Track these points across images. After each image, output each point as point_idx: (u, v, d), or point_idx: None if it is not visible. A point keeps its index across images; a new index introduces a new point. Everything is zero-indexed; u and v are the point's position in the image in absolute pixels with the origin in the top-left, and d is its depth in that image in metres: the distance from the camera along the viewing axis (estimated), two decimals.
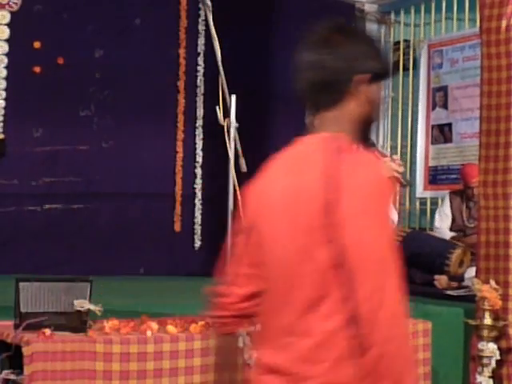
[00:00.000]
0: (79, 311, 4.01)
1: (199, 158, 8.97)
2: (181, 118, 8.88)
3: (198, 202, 8.93)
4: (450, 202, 7.62)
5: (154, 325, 4.19)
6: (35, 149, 8.16)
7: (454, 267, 6.68)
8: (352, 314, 1.89)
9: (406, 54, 9.54)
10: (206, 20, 5.24)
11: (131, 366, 3.96)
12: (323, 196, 1.92)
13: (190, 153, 8.94)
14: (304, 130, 3.93)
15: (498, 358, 4.63)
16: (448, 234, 7.40)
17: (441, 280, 6.68)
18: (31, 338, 3.81)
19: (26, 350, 3.75)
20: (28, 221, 8.12)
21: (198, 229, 8.91)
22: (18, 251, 7.82)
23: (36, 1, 8.12)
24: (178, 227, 8.82)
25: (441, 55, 9.10)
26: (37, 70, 8.13)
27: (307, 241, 1.93)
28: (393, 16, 9.80)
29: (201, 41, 8.94)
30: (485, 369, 4.62)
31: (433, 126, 9.09)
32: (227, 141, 4.70)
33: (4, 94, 7.91)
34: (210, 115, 6.85)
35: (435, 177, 9.04)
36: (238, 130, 4.75)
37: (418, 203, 9.20)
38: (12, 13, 7.91)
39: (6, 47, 7.90)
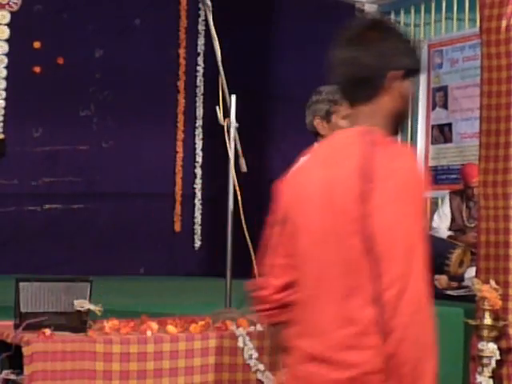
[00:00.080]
0: (79, 311, 4.01)
1: (199, 158, 8.97)
2: (181, 117, 8.88)
3: (197, 202, 8.94)
4: (450, 202, 7.62)
5: (154, 325, 4.19)
6: (35, 149, 8.16)
7: (454, 267, 6.68)
8: (375, 298, 1.94)
9: None
10: (206, 20, 5.24)
11: (131, 366, 3.96)
12: (358, 187, 1.98)
13: (190, 153, 8.94)
14: (304, 129, 3.94)
15: (498, 358, 4.62)
16: (446, 234, 7.40)
17: (441, 280, 6.68)
18: (31, 337, 3.81)
19: (25, 350, 3.75)
20: (28, 221, 8.12)
21: (197, 229, 8.92)
22: (17, 251, 7.82)
23: (36, 1, 8.13)
24: (177, 227, 8.83)
25: (441, 55, 9.09)
26: (37, 70, 8.14)
27: (342, 231, 1.99)
28: (393, 16, 9.79)
29: (201, 41, 8.95)
30: (485, 369, 4.62)
31: (433, 126, 9.09)
32: (227, 141, 4.70)
33: (4, 94, 7.92)
34: (209, 115, 6.86)
35: (435, 177, 9.03)
36: (238, 129, 4.75)
37: None
38: (12, 13, 7.91)
39: (6, 47, 7.90)
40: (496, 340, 4.66)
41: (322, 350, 2.00)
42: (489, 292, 4.59)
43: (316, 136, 3.72)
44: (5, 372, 3.89)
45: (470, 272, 6.20)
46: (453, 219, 7.56)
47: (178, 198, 8.85)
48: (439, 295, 6.18)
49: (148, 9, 8.64)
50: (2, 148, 6.70)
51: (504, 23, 4.84)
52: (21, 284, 3.99)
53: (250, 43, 8.91)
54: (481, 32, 5.04)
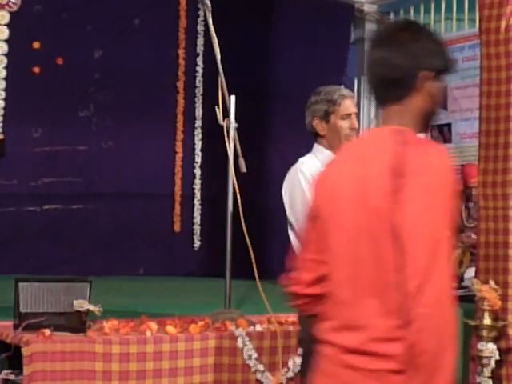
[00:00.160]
0: (79, 311, 4.02)
1: (198, 159, 8.97)
2: (180, 118, 8.88)
3: (197, 203, 8.94)
4: None
5: (154, 325, 4.19)
6: (35, 149, 8.16)
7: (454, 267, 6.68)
8: (398, 288, 1.99)
9: None
10: (206, 20, 5.24)
11: (131, 367, 3.97)
12: (390, 184, 2.04)
13: (190, 153, 8.94)
14: (303, 130, 3.94)
15: (498, 358, 4.62)
16: None
17: None
18: (31, 338, 3.82)
19: (25, 351, 3.76)
20: (28, 221, 8.12)
21: (197, 229, 8.92)
22: (17, 251, 7.82)
23: (35, 1, 8.13)
24: (177, 227, 8.83)
25: None
26: (36, 70, 8.13)
27: (375, 227, 2.04)
28: (392, 16, 9.80)
29: (200, 41, 8.94)
30: (484, 369, 4.62)
31: (432, 126, 9.09)
32: (227, 141, 4.71)
33: (3, 94, 7.92)
34: (209, 115, 6.86)
35: None
36: (238, 130, 4.76)
37: None
38: (11, 13, 7.91)
39: (5, 47, 7.90)
40: (495, 340, 4.66)
41: (362, 342, 2.04)
42: (488, 292, 4.59)
43: (316, 137, 3.72)
44: (4, 372, 3.89)
45: (470, 272, 6.20)
46: None
47: (178, 198, 8.85)
48: None
49: (147, 9, 8.64)
50: (2, 148, 6.70)
51: (503, 23, 4.83)
52: (20, 284, 3.99)
53: (250, 43, 8.91)
54: (480, 32, 5.03)
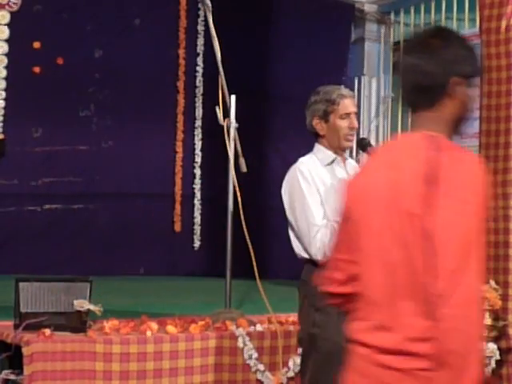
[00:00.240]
0: (79, 311, 4.02)
1: (198, 159, 8.98)
2: (180, 118, 8.89)
3: (197, 202, 8.94)
4: None
5: (154, 325, 4.19)
6: (35, 149, 8.17)
7: None
8: (429, 288, 2.04)
9: None
10: (206, 20, 5.24)
11: (131, 366, 3.97)
12: (423, 190, 2.08)
13: (190, 153, 8.95)
14: (303, 129, 3.93)
15: (498, 358, 4.63)
16: None
17: None
18: (31, 338, 3.82)
19: (25, 350, 3.76)
20: (28, 221, 8.12)
21: (197, 229, 8.92)
22: (17, 251, 7.82)
23: (36, 1, 8.13)
24: (177, 227, 8.83)
25: None
26: (36, 70, 8.14)
27: (407, 232, 2.09)
28: (392, 16, 9.80)
29: (200, 41, 8.95)
30: (484, 369, 4.62)
31: None
32: (227, 141, 4.70)
33: (4, 94, 7.92)
34: (209, 115, 6.87)
35: None
36: (238, 130, 4.75)
37: None
38: (12, 13, 7.91)
39: (5, 47, 7.90)
40: (496, 340, 4.66)
41: (398, 342, 2.08)
42: (488, 292, 4.59)
43: (316, 137, 3.72)
44: (5, 372, 3.89)
45: None
46: None
47: (178, 198, 8.85)
48: None
49: (148, 9, 8.65)
50: (2, 148, 6.70)
51: (504, 23, 4.83)
52: (21, 284, 3.99)
53: (250, 43, 8.91)
54: (480, 32, 5.03)
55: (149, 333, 4.09)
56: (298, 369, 4.23)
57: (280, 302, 4.80)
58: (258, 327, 4.40)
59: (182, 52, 8.89)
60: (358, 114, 3.83)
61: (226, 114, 4.75)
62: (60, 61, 8.23)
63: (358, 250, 2.17)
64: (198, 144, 8.99)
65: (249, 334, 4.32)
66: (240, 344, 4.27)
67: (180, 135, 8.89)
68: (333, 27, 9.45)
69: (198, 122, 8.97)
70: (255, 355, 4.29)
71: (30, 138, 8.14)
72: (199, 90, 8.97)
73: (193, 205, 8.92)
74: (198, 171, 8.97)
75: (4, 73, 7.91)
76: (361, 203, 2.19)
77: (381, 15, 9.87)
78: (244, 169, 4.67)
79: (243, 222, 4.46)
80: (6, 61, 7.91)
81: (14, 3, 7.90)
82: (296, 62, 9.10)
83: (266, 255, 7.29)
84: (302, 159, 3.70)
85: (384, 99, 9.82)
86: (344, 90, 3.75)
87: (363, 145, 3.75)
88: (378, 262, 2.13)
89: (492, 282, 4.66)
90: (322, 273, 2.34)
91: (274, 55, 9.17)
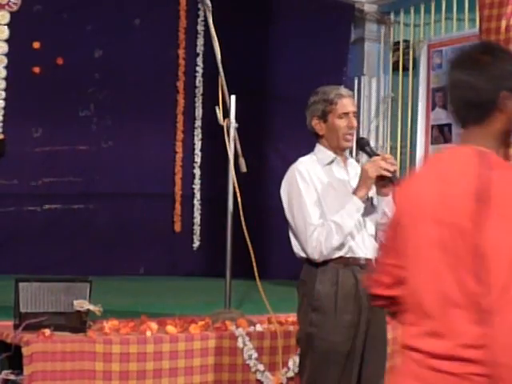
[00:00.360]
0: (79, 311, 4.02)
1: (198, 159, 8.98)
2: (180, 118, 8.89)
3: (197, 203, 8.94)
4: None
5: (154, 325, 4.19)
6: (35, 149, 8.17)
7: None
8: (479, 300, 2.09)
9: (405, 54, 9.54)
10: (206, 20, 5.24)
11: (131, 367, 3.97)
12: (474, 207, 2.13)
13: (190, 153, 8.95)
14: (302, 130, 3.93)
15: None
16: None
17: None
18: (31, 338, 3.82)
19: (25, 351, 3.76)
20: (28, 221, 8.12)
21: (197, 229, 8.92)
22: (17, 251, 7.82)
23: (36, 1, 8.13)
24: (177, 227, 8.83)
25: (440, 55, 9.10)
26: (36, 70, 8.14)
27: (456, 244, 2.13)
28: (392, 16, 9.80)
29: (200, 41, 8.95)
30: None
31: (432, 127, 9.09)
32: (227, 141, 4.70)
33: (3, 94, 7.92)
34: (209, 115, 6.86)
35: None
36: (238, 130, 4.75)
37: None
38: (12, 13, 7.91)
39: (5, 47, 7.90)
40: None
41: (450, 348, 2.11)
42: None
43: (316, 137, 3.72)
44: (4, 372, 3.89)
45: None
46: None
47: (178, 198, 8.85)
48: None
49: (147, 9, 8.64)
50: (2, 148, 6.69)
51: (504, 23, 4.84)
52: (20, 284, 3.99)
53: (250, 43, 8.92)
54: (480, 32, 5.04)
55: (148, 333, 4.09)
56: (297, 369, 4.23)
57: (280, 302, 4.80)
58: (258, 327, 4.40)
59: (181, 52, 8.88)
60: (357, 114, 3.83)
61: (226, 114, 4.75)
62: (60, 61, 8.23)
63: (406, 256, 2.23)
64: (198, 144, 8.99)
65: (248, 334, 4.32)
66: (240, 344, 4.27)
67: (180, 135, 8.89)
68: (332, 27, 9.46)
69: (198, 122, 8.97)
70: (255, 355, 4.29)
71: (30, 137, 8.14)
72: (199, 90, 8.97)
73: (192, 205, 8.92)
74: (197, 171, 8.97)
75: (4, 73, 7.91)
76: (410, 212, 2.24)
77: (381, 15, 9.88)
78: (244, 169, 4.67)
79: (243, 222, 4.46)
80: (5, 61, 7.91)
81: (13, 3, 7.90)
82: (296, 62, 9.10)
83: (265, 255, 7.30)
84: (301, 159, 3.70)
85: (384, 99, 9.82)
86: (342, 90, 3.75)
87: (362, 144, 3.75)
88: (427, 271, 2.17)
89: None
90: (369, 275, 2.41)
91: (274, 55, 9.18)
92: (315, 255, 3.48)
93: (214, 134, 5.96)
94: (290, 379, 4.36)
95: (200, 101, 8.96)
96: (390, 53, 9.73)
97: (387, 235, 2.35)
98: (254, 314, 4.69)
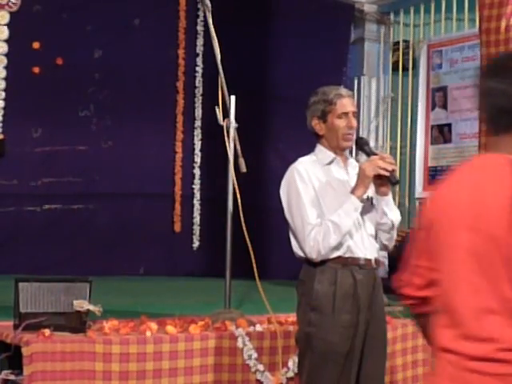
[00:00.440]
0: (79, 311, 4.02)
1: (198, 159, 8.98)
2: (180, 118, 8.89)
3: (197, 203, 8.94)
4: None
5: (154, 325, 4.19)
6: (35, 149, 8.17)
7: None
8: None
9: (405, 54, 9.55)
10: (205, 20, 5.24)
11: (131, 367, 3.96)
12: (508, 215, 2.14)
13: (190, 153, 8.95)
14: (302, 130, 3.94)
15: None
16: None
17: None
18: (31, 338, 3.81)
19: (25, 351, 3.76)
20: (28, 221, 8.12)
21: (196, 229, 8.92)
22: (17, 251, 7.82)
23: (35, 1, 8.13)
24: (177, 227, 8.83)
25: (440, 55, 9.10)
26: (36, 70, 8.14)
27: (490, 252, 2.15)
28: (392, 16, 9.80)
29: (200, 41, 8.95)
30: None
31: (432, 127, 9.09)
32: (227, 141, 4.70)
33: (3, 94, 7.92)
34: (209, 116, 6.86)
35: (434, 177, 9.04)
36: (238, 130, 4.75)
37: (417, 203, 9.21)
38: (11, 13, 7.92)
39: (5, 47, 7.91)
40: None
41: (490, 352, 2.13)
42: None
43: (317, 137, 3.72)
44: (4, 372, 3.89)
45: None
46: None
47: (178, 198, 8.85)
48: None
49: (147, 9, 8.64)
50: (2, 148, 6.70)
51: (503, 24, 4.84)
52: (20, 284, 3.99)
53: (250, 43, 8.92)
54: (480, 32, 5.04)
55: (148, 333, 4.09)
56: (297, 369, 4.24)
57: (279, 302, 4.80)
58: (258, 327, 4.40)
59: (181, 52, 8.89)
60: (357, 114, 3.83)
61: (226, 115, 4.75)
62: (60, 61, 8.23)
63: (438, 259, 2.26)
64: (198, 144, 8.99)
65: (248, 334, 4.32)
66: (239, 344, 4.27)
67: (180, 135, 8.89)
68: (332, 27, 9.46)
69: (198, 123, 8.97)
70: (255, 355, 4.29)
71: (30, 138, 8.14)
72: (199, 91, 8.97)
73: (192, 205, 8.92)
74: (197, 171, 8.97)
75: (4, 73, 7.92)
76: (443, 217, 2.26)
77: (380, 15, 9.88)
78: (244, 169, 4.67)
79: (243, 222, 4.46)
80: (5, 61, 7.91)
81: (13, 3, 7.90)
82: (296, 62, 9.11)
83: (265, 255, 7.30)
84: (300, 159, 3.70)
85: (384, 99, 9.82)
86: (342, 90, 3.75)
87: (360, 144, 3.75)
88: (461, 279, 2.20)
89: None
90: (401, 276, 2.43)
91: (274, 55, 9.18)
92: (313, 254, 3.49)
93: (213, 134, 5.96)
94: (289, 379, 4.36)
95: (200, 101, 8.96)
96: (389, 53, 9.74)
97: (418, 237, 2.37)
98: (253, 314, 4.69)
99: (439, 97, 9.05)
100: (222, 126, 4.73)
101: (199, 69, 8.97)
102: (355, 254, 3.55)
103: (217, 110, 4.73)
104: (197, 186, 8.95)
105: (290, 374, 4.35)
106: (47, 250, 7.94)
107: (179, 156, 8.87)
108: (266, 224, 8.35)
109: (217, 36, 4.89)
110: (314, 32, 9.18)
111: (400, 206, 8.57)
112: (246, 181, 4.86)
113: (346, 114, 3.64)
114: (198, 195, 8.94)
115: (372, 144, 9.03)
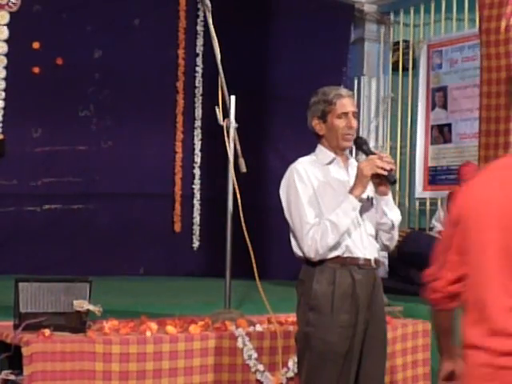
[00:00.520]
0: (78, 311, 4.02)
1: (198, 159, 8.97)
2: (180, 118, 8.88)
3: (197, 203, 8.94)
4: (449, 202, 7.63)
5: (154, 325, 4.19)
6: (35, 149, 8.16)
7: None
8: None
9: (405, 54, 9.55)
10: (205, 20, 5.24)
11: (131, 367, 3.96)
12: None
13: (190, 153, 8.95)
14: (302, 130, 3.94)
15: None
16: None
17: None
18: (31, 338, 3.81)
19: (25, 351, 3.75)
20: (28, 221, 8.12)
21: (196, 229, 8.92)
22: (17, 251, 7.82)
23: (35, 1, 8.13)
24: (177, 227, 8.83)
25: (440, 55, 9.10)
26: (36, 70, 8.13)
27: None
28: (392, 16, 9.80)
29: (200, 41, 8.95)
30: None
31: (432, 127, 9.10)
32: (227, 141, 4.70)
33: (3, 94, 7.92)
34: (209, 116, 6.87)
35: (434, 177, 9.05)
36: (238, 130, 4.75)
37: (417, 203, 9.21)
38: (11, 13, 7.91)
39: (5, 47, 7.90)
40: None
41: None
42: None
43: (317, 137, 3.72)
44: (4, 372, 3.89)
45: None
46: None
47: (178, 198, 8.85)
48: None
49: (147, 9, 8.64)
50: (2, 148, 6.70)
51: (503, 24, 4.84)
52: (20, 284, 3.99)
53: (250, 43, 8.92)
54: (480, 32, 5.04)
55: (148, 333, 4.09)
56: (297, 369, 4.24)
57: (279, 302, 4.80)
58: (258, 327, 4.40)
59: (181, 52, 8.88)
60: (357, 114, 3.83)
61: (226, 115, 4.75)
62: (59, 61, 8.22)
63: (468, 254, 2.29)
64: (198, 144, 8.99)
65: (248, 334, 4.32)
66: (239, 344, 4.27)
67: (179, 135, 8.88)
68: (332, 27, 9.46)
69: (198, 123, 8.97)
70: (255, 355, 4.29)
71: (30, 138, 8.14)
72: (199, 91, 8.97)
73: (192, 205, 8.91)
74: (197, 171, 8.97)
75: (4, 73, 7.91)
76: (473, 213, 2.29)
77: (380, 15, 9.88)
78: (243, 169, 4.67)
79: (243, 222, 4.46)
80: (5, 61, 7.91)
81: (13, 3, 7.90)
82: (296, 62, 9.11)
83: (265, 255, 7.30)
84: (300, 159, 3.70)
85: (384, 99, 9.82)
86: (342, 90, 3.75)
87: (359, 143, 3.75)
88: (490, 277, 2.22)
89: None
90: (431, 270, 2.45)
91: (274, 55, 9.18)
92: (311, 254, 3.49)
93: (213, 134, 5.96)
94: (289, 379, 4.36)
95: (200, 101, 8.96)
96: (389, 53, 9.74)
97: (446, 233, 2.40)
98: (253, 314, 4.68)
99: (439, 97, 9.06)
100: (221, 126, 4.73)
101: (199, 69, 8.96)
102: (354, 254, 3.55)
103: (217, 110, 4.73)
104: (197, 186, 8.95)
105: (290, 374, 4.35)
106: (47, 250, 7.93)
107: (179, 156, 8.86)
108: (266, 224, 8.34)
109: (217, 36, 4.89)
110: (314, 32, 9.18)
111: (400, 206, 8.57)
112: (246, 181, 4.86)
113: (345, 114, 3.64)
114: (197, 195, 8.94)
115: (372, 144, 9.04)
